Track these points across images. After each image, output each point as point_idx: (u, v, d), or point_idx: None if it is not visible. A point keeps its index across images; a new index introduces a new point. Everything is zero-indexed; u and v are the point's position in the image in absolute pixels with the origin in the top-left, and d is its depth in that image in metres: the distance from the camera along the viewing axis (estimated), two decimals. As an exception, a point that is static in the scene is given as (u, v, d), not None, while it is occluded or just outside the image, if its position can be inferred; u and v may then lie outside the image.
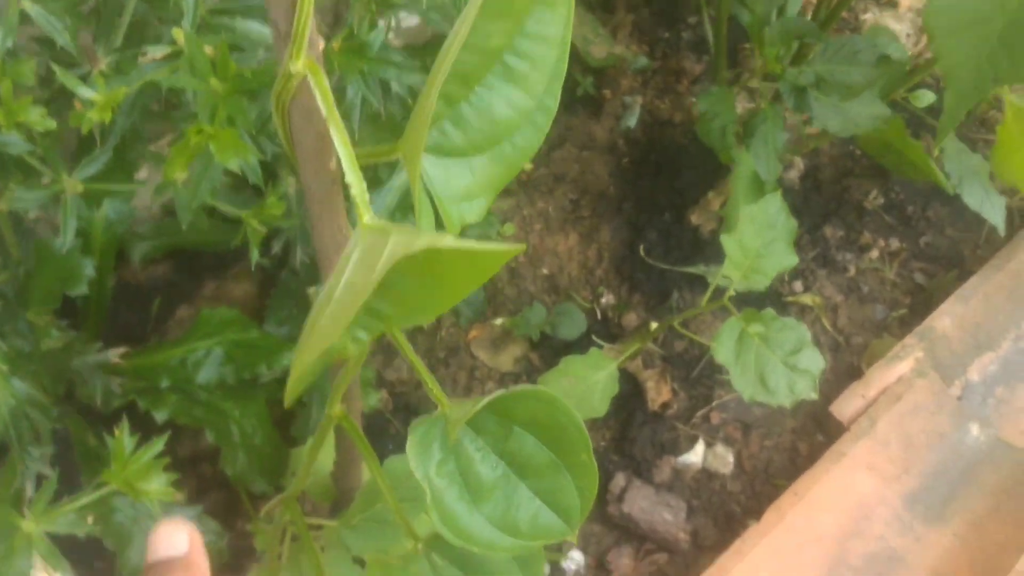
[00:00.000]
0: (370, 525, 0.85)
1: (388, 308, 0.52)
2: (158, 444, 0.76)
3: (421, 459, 0.63)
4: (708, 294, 0.95)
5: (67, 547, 0.99)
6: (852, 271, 1.30)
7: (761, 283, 0.91)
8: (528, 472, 0.64)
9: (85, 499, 0.77)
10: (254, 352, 0.98)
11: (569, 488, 0.64)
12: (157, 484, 0.77)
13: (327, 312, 0.46)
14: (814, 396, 0.92)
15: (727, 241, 0.91)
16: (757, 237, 0.91)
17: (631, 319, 1.22)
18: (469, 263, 0.48)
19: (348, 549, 0.84)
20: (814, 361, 0.92)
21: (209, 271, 1.21)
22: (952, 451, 1.12)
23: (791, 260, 0.92)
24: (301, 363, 0.47)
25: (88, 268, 0.86)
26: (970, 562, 1.03)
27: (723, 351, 0.91)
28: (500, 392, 0.59)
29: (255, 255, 0.82)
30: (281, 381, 1.08)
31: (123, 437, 0.75)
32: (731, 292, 0.93)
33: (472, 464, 0.64)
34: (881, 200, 1.36)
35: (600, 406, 1.06)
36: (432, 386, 0.64)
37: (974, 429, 1.13)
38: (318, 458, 0.81)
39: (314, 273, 1.16)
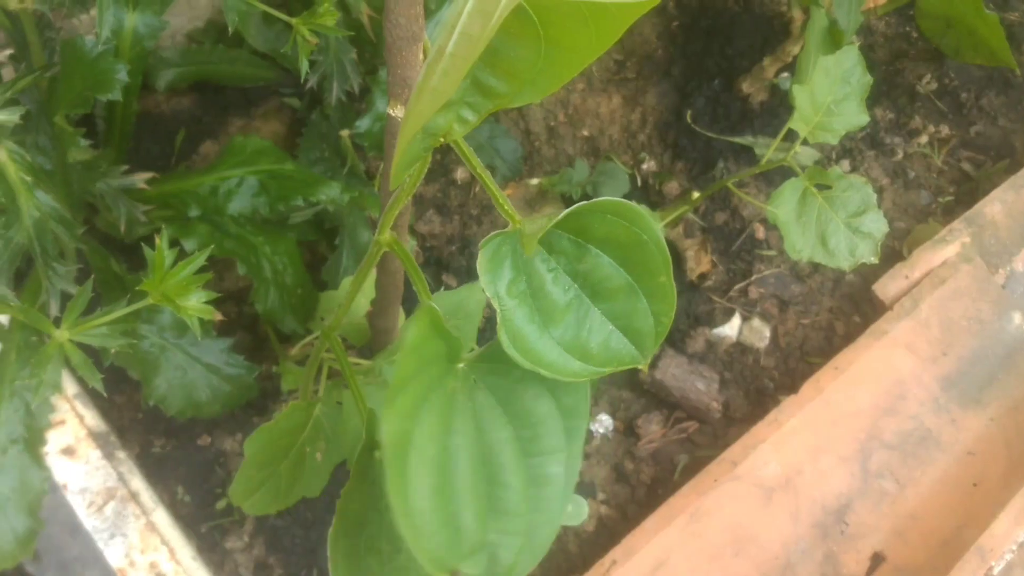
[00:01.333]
0: (412, 362, 0.82)
1: (498, 83, 0.47)
2: (199, 257, 0.71)
3: (492, 276, 0.59)
4: (771, 150, 0.91)
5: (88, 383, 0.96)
6: (900, 155, 1.26)
7: (829, 140, 0.87)
8: (602, 295, 0.61)
9: (119, 312, 0.73)
10: (290, 184, 0.93)
11: (644, 313, 0.61)
12: (196, 300, 0.72)
13: (440, 67, 0.41)
14: (874, 260, 0.88)
15: (798, 92, 0.86)
16: (830, 91, 0.86)
17: (672, 188, 1.18)
18: (591, 18, 0.44)
19: (388, 384, 0.82)
20: (878, 225, 0.88)
21: (235, 108, 1.15)
22: (993, 338, 1.09)
23: (862, 119, 0.88)
24: (410, 128, 0.43)
25: (122, 72, 0.80)
26: (1006, 445, 1.02)
27: (783, 210, 0.87)
28: (578, 205, 0.55)
29: (305, 66, 0.77)
30: (311, 223, 1.04)
31: (163, 247, 0.70)
32: (796, 148, 0.89)
33: (544, 285, 0.60)
34: (934, 85, 1.31)
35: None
36: (502, 202, 0.60)
37: (1016, 318, 1.11)
38: (355, 297, 0.77)
39: (346, 116, 1.10)
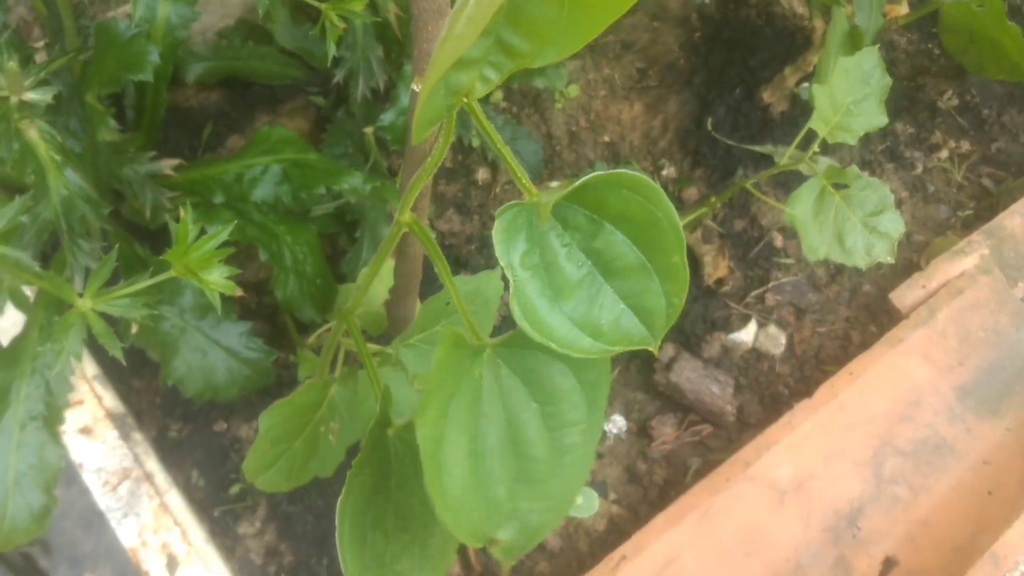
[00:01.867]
0: (427, 346, 0.83)
1: (521, 42, 0.48)
2: (223, 232, 0.73)
3: (507, 246, 0.60)
4: (785, 157, 0.91)
5: (107, 365, 0.98)
6: (919, 169, 1.26)
7: (848, 140, 0.88)
8: (614, 273, 0.61)
9: (142, 283, 0.74)
10: (313, 172, 0.94)
11: (656, 292, 0.61)
12: (219, 275, 0.73)
13: (464, 14, 0.42)
14: (891, 260, 0.89)
15: (818, 92, 0.87)
16: (849, 92, 0.86)
17: (691, 194, 1.19)
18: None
19: (405, 368, 0.82)
20: (895, 224, 0.88)
21: (262, 105, 1.17)
22: (1011, 349, 1.09)
23: (881, 120, 0.88)
24: (433, 75, 0.44)
25: (153, 54, 0.82)
26: (1023, 455, 1.01)
27: (800, 209, 0.87)
28: (593, 174, 0.56)
29: (332, 50, 0.78)
30: (333, 216, 1.05)
31: (187, 219, 0.71)
32: (815, 149, 0.89)
33: (557, 259, 0.61)
34: (956, 101, 1.31)
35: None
36: (520, 175, 0.61)
37: (1035, 331, 1.10)
38: (373, 284, 0.78)
39: (371, 113, 1.12)
